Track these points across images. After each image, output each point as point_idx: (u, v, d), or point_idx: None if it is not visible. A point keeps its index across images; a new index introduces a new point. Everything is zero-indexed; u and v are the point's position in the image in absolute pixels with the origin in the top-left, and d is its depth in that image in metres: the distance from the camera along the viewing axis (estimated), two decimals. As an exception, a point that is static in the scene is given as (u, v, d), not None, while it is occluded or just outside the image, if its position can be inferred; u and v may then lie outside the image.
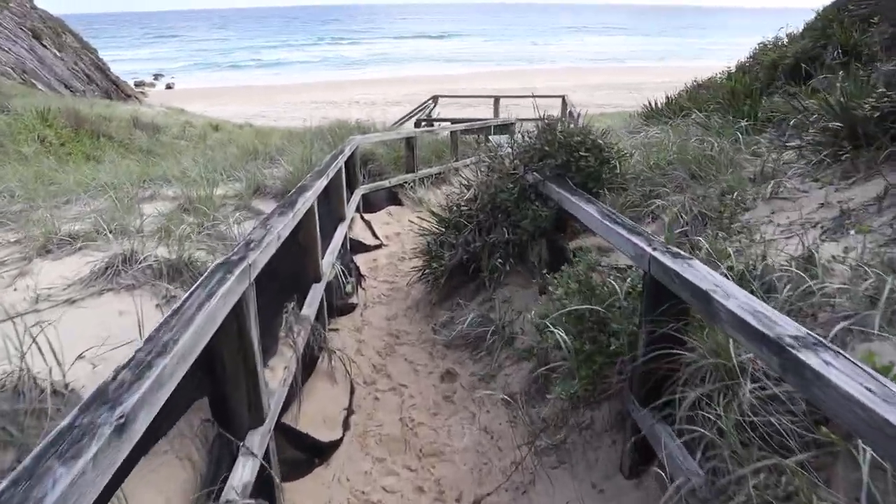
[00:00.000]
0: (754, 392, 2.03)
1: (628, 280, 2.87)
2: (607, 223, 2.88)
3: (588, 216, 3.14)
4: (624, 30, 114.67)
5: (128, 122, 14.89)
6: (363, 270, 6.24)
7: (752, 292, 2.34)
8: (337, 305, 4.92)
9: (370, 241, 7.16)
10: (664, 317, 2.39)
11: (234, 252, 2.38)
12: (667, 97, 12.54)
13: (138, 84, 48.23)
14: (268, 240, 2.61)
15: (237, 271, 2.16)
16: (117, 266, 3.57)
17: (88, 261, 4.08)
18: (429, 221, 5.46)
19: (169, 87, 52.15)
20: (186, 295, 1.95)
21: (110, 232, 4.81)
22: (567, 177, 3.85)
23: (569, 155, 3.82)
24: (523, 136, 4.37)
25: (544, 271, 4.07)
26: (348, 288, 5.31)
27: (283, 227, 2.93)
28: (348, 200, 6.92)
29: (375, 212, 8.41)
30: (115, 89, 36.21)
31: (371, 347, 4.65)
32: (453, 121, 16.28)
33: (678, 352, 2.37)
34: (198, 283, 2.05)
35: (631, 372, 2.64)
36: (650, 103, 12.68)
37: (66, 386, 2.20)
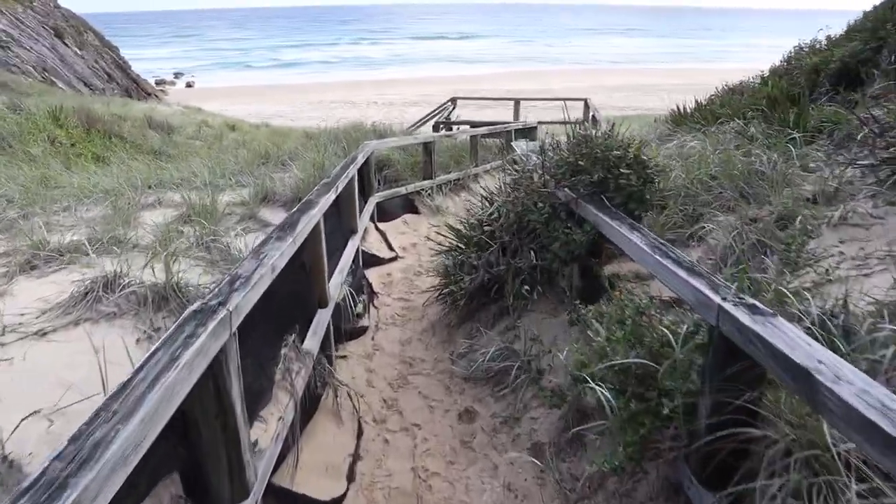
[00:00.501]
0: (864, 497, 1.58)
1: (685, 326, 2.42)
2: (659, 258, 2.43)
3: (634, 248, 2.70)
4: (640, 31, 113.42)
5: (141, 122, 14.65)
6: (376, 286, 5.83)
7: (845, 356, 1.89)
8: (346, 329, 4.51)
9: (385, 253, 6.75)
10: (735, 382, 1.95)
11: (214, 293, 1.98)
12: (696, 102, 12.01)
13: (159, 82, 48.48)
14: (258, 275, 2.21)
15: (212, 323, 1.75)
16: (98, 292, 3.19)
17: (74, 279, 3.72)
18: (447, 237, 5.04)
19: (189, 85, 52.37)
20: (145, 358, 1.55)
21: (104, 243, 4.46)
22: (604, 196, 3.40)
23: (606, 171, 3.37)
24: (553, 147, 3.92)
25: (577, 302, 3.63)
26: (359, 308, 4.90)
27: (280, 255, 2.53)
28: (361, 210, 6.53)
29: (391, 220, 8.00)
30: (135, 87, 36.38)
31: (382, 378, 4.23)
32: (473, 124, 15.85)
33: (752, 430, 1.93)
34: (162, 339, 1.64)
35: (688, 442, 2.20)
36: (679, 108, 12.17)
37: (5, 458, 1.81)
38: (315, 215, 3.35)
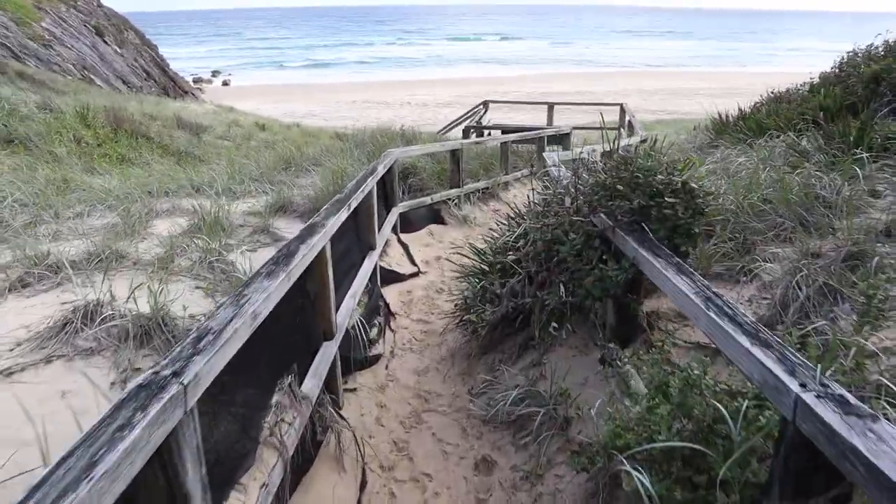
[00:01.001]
0: None
1: (744, 403, 1.99)
2: (715, 317, 2.01)
3: (683, 298, 2.27)
4: (681, 34, 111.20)
5: (171, 122, 14.60)
6: (395, 306, 5.47)
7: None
8: (357, 359, 4.16)
9: (406, 268, 6.40)
10: (816, 493, 1.53)
11: (171, 358, 1.63)
12: (740, 110, 11.38)
13: (196, 80, 49.21)
14: (232, 328, 1.86)
15: (156, 407, 1.41)
16: (77, 323, 2.89)
17: (64, 301, 3.45)
18: (469, 258, 4.66)
19: (225, 83, 53.08)
20: (58, 462, 1.21)
21: (103, 260, 4.20)
22: (645, 225, 2.98)
23: (649, 198, 2.95)
24: (587, 168, 3.51)
25: (611, 344, 3.22)
26: (373, 333, 4.55)
27: (266, 298, 2.18)
28: (383, 222, 6.19)
29: (415, 231, 7.65)
30: (172, 85, 36.91)
31: (393, 415, 3.87)
32: (504, 129, 15.41)
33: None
34: (86, 433, 1.30)
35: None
36: (720, 115, 11.55)
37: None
38: (317, 243, 3.00)
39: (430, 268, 6.76)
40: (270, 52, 79.90)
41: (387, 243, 6.48)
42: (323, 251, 3.17)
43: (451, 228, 8.17)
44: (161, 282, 3.79)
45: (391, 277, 5.95)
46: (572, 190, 3.30)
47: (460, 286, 4.59)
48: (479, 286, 4.08)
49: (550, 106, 18.34)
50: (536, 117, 22.31)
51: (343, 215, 3.74)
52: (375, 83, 49.73)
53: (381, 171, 5.55)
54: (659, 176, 2.99)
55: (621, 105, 17.23)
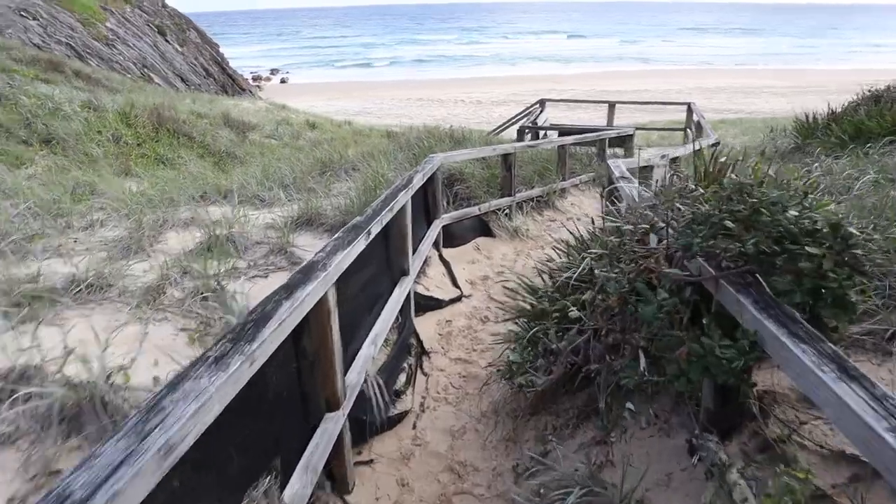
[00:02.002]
0: None
1: None
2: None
3: (856, 424, 1.39)
4: (754, 31, 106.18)
5: (219, 120, 14.26)
6: (430, 341, 4.68)
7: None
8: (375, 423, 3.38)
9: (446, 291, 5.59)
10: None
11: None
12: (831, 111, 10.08)
13: (255, 78, 49.96)
14: (109, 492, 1.11)
15: None
16: (-6, 396, 2.22)
17: (24, 347, 2.81)
18: (520, 295, 3.82)
19: (283, 81, 53.73)
20: None
21: (86, 289, 3.58)
22: (763, 277, 2.09)
23: (774, 242, 2.06)
24: (681, 192, 2.61)
25: (708, 439, 2.35)
26: (400, 383, 3.78)
27: (198, 413, 1.42)
28: (422, 238, 5.43)
29: (460, 245, 6.85)
30: (230, 83, 37.43)
31: (417, 498, 3.08)
32: (561, 130, 14.39)
33: None
34: None
35: None
36: (807, 117, 10.26)
37: None
38: (313, 291, 2.24)
39: (475, 289, 5.94)
40: (329, 50, 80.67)
41: (426, 262, 5.71)
42: (324, 301, 2.41)
43: (500, 242, 7.33)
44: (143, 321, 3.13)
45: (429, 305, 5.16)
46: (661, 225, 2.42)
47: (505, 333, 3.74)
48: (528, 338, 3.23)
49: (611, 105, 17.14)
50: (594, 116, 21.13)
51: (359, 246, 2.97)
52: (431, 81, 49.22)
53: (418, 181, 4.76)
54: (791, 211, 2.08)
55: (689, 104, 15.91)
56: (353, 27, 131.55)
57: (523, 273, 6.71)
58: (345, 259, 2.67)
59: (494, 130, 17.42)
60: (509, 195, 7.63)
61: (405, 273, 4.42)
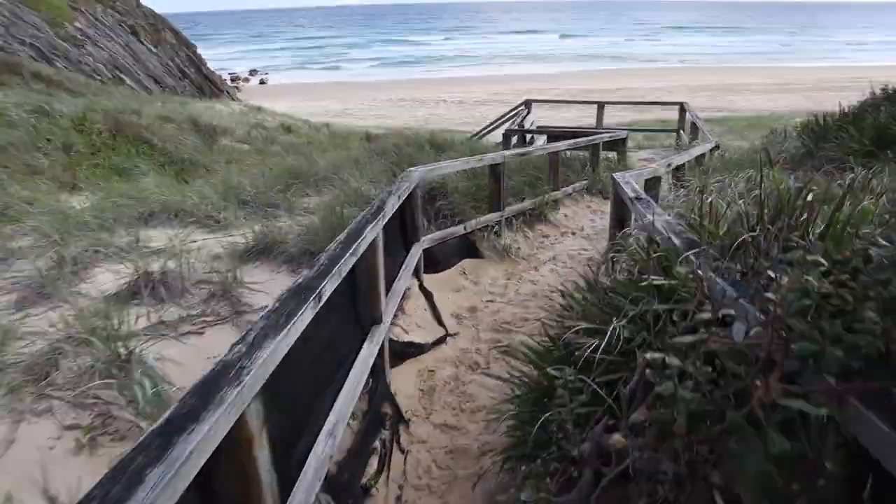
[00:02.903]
0: None
1: None
2: None
3: None
4: (726, 29, 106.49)
5: (186, 125, 13.30)
6: (409, 402, 3.84)
7: None
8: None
9: (429, 331, 4.75)
10: None
11: None
12: (843, 112, 9.40)
13: (234, 79, 48.76)
14: None
15: None
16: None
17: None
18: (521, 362, 3.00)
19: (262, 82, 52.64)
20: None
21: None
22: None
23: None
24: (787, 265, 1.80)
25: None
26: (370, 472, 2.97)
27: None
28: (398, 270, 4.62)
29: (443, 270, 6.03)
30: (208, 84, 36.36)
31: None
32: (549, 133, 13.60)
33: None
34: None
35: None
36: (818, 119, 9.57)
37: None
38: (214, 427, 1.43)
39: (461, 325, 5.14)
40: (311, 51, 79.47)
41: (404, 295, 4.89)
42: (240, 427, 1.59)
43: (489, 263, 6.52)
44: (14, 416, 2.29)
45: (407, 352, 4.33)
46: (757, 316, 1.61)
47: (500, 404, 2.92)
48: (534, 425, 2.43)
49: (600, 105, 16.39)
50: (581, 115, 20.33)
51: (305, 318, 2.14)
52: (413, 81, 48.40)
53: (391, 207, 3.93)
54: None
55: (681, 104, 15.22)
56: (334, 28, 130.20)
57: (514, 300, 5.97)
58: (278, 348, 1.84)
59: (478, 133, 16.64)
60: (498, 210, 6.84)
61: (377, 322, 3.60)
